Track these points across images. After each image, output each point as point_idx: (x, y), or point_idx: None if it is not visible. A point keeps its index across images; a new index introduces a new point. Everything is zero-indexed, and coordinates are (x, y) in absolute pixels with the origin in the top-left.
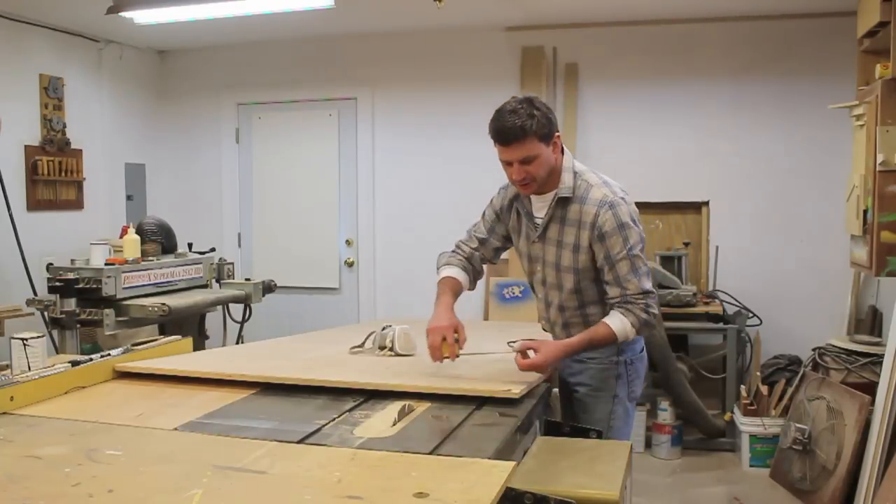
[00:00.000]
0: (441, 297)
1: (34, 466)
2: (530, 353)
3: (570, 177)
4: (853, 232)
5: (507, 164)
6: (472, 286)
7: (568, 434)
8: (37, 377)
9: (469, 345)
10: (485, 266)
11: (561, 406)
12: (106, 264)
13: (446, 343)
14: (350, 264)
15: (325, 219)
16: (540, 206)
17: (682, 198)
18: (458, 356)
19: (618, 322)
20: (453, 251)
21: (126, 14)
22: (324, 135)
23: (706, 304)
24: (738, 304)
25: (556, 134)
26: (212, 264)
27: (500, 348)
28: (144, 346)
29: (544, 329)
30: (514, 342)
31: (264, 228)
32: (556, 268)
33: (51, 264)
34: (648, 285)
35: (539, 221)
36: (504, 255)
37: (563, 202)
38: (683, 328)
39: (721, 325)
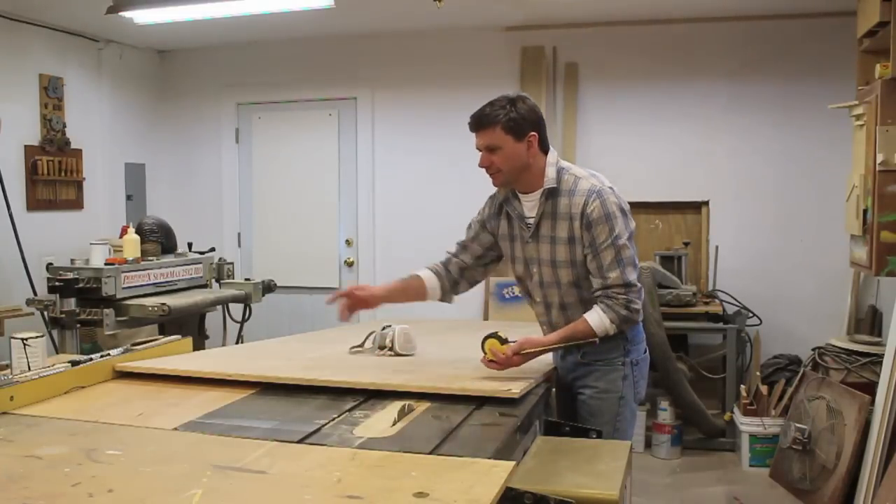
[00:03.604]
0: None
1: (34, 466)
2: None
3: (553, 171)
4: (853, 232)
5: (479, 150)
6: (446, 296)
7: (568, 434)
8: (37, 377)
9: (469, 345)
10: (465, 279)
11: (560, 410)
12: (106, 264)
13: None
14: (350, 264)
15: (324, 219)
16: (530, 206)
17: (682, 198)
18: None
19: (596, 318)
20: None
21: (126, 14)
22: (323, 135)
23: (706, 303)
24: (737, 303)
25: (532, 133)
26: (212, 264)
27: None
28: (144, 346)
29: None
30: (513, 342)
31: (264, 228)
32: (552, 264)
33: (51, 264)
34: (632, 277)
35: (531, 221)
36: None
37: (551, 195)
38: (683, 328)
39: (721, 324)
